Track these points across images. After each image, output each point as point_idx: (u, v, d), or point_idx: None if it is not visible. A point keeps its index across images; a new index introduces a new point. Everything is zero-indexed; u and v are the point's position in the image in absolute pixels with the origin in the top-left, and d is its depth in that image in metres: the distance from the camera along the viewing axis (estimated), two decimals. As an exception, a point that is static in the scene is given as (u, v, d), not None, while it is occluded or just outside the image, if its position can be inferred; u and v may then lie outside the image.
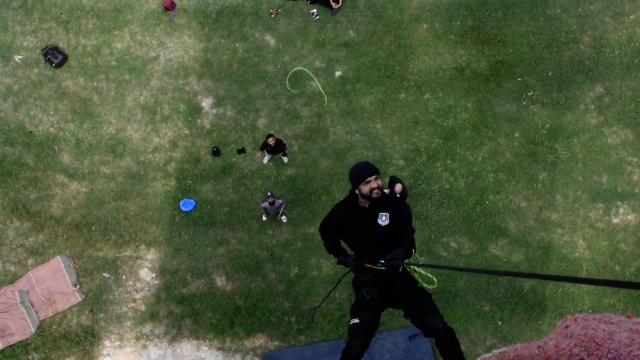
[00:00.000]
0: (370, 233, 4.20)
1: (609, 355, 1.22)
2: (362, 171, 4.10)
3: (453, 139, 10.52)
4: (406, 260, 4.05)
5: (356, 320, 4.21)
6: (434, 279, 4.46)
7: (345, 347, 4.35)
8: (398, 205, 4.21)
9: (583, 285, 9.70)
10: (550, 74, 10.61)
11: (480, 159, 10.40)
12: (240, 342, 9.84)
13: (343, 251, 4.51)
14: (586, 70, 10.57)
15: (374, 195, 4.09)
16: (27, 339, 9.85)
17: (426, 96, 10.74)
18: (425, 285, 4.55)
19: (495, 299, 9.77)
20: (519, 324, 9.67)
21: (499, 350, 1.67)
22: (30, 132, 10.74)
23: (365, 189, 4.13)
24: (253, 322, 9.90)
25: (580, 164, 10.20)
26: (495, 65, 10.73)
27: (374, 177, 4.09)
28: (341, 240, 4.68)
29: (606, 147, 10.22)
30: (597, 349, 1.25)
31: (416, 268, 4.27)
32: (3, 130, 10.74)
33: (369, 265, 4.20)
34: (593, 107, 10.42)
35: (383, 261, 4.04)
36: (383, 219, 4.15)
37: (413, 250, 4.14)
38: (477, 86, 10.69)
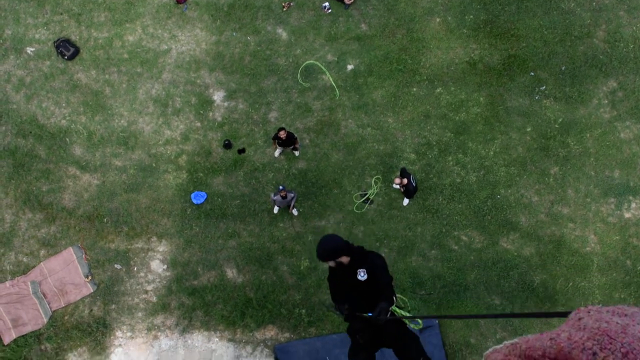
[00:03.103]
0: (352, 287, 4.77)
1: (622, 349, 1.22)
2: (319, 256, 4.68)
3: (465, 133, 10.51)
4: (391, 315, 4.68)
5: None
6: (419, 320, 5.01)
7: None
8: (372, 260, 4.80)
9: (594, 279, 9.70)
10: (563, 68, 10.57)
11: (492, 153, 10.39)
12: (251, 334, 9.89)
13: (342, 300, 5.00)
14: (600, 65, 10.52)
15: (340, 265, 4.70)
16: (40, 329, 9.92)
17: (438, 90, 10.72)
18: (412, 326, 5.08)
19: (505, 293, 9.78)
20: (529, 318, 9.67)
21: (511, 341, 1.67)
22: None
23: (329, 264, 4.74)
24: (264, 314, 9.94)
25: (592, 159, 10.17)
26: (508, 59, 10.70)
27: (329, 262, 4.70)
28: None
29: (619, 141, 10.19)
30: (610, 343, 1.25)
31: (402, 313, 4.88)
32: (15, 122, 10.78)
33: (359, 314, 4.76)
34: (606, 101, 10.38)
35: (371, 314, 4.59)
36: (361, 275, 4.73)
37: (394, 298, 4.75)
38: (489, 80, 10.66)
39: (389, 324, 4.64)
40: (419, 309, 9.75)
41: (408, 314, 5.07)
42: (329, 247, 4.59)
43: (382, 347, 5.05)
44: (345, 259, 4.67)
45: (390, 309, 4.67)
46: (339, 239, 4.68)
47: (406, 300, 5.41)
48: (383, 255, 5.03)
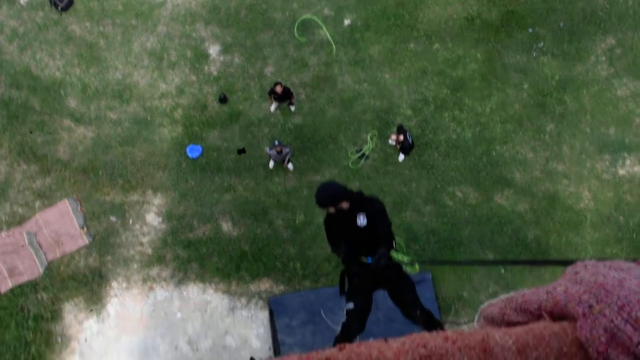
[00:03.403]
0: (352, 232, 4.78)
1: (618, 302, 1.22)
2: (319, 203, 4.67)
3: (461, 90, 10.47)
4: (390, 260, 4.69)
5: (351, 305, 4.84)
6: (417, 265, 5.09)
7: (344, 326, 4.81)
8: (372, 205, 4.81)
9: (586, 234, 9.79)
10: (561, 24, 10.49)
11: (488, 109, 10.37)
12: (246, 286, 9.97)
13: (339, 244, 5.00)
14: (598, 22, 10.45)
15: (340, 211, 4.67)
16: (36, 278, 9.97)
17: (435, 46, 10.64)
18: (409, 269, 5.14)
19: (498, 248, 9.86)
20: (521, 272, 9.78)
21: (506, 295, 1.67)
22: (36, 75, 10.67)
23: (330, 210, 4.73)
24: (259, 267, 10.01)
25: (588, 116, 10.17)
26: (506, 15, 10.61)
27: (328, 208, 4.67)
28: None
29: (615, 99, 10.18)
30: (607, 296, 1.25)
31: (400, 257, 4.93)
32: (9, 73, 10.68)
33: (358, 259, 4.80)
34: (604, 58, 10.33)
35: (370, 259, 4.61)
36: (361, 219, 4.72)
37: (393, 242, 4.76)
38: (487, 36, 10.59)
39: (386, 268, 4.68)
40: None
41: (406, 258, 5.14)
42: (329, 192, 4.59)
43: (379, 289, 5.08)
44: (345, 205, 4.66)
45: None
46: (338, 184, 4.70)
47: (402, 242, 5.43)
48: (382, 200, 5.01)
